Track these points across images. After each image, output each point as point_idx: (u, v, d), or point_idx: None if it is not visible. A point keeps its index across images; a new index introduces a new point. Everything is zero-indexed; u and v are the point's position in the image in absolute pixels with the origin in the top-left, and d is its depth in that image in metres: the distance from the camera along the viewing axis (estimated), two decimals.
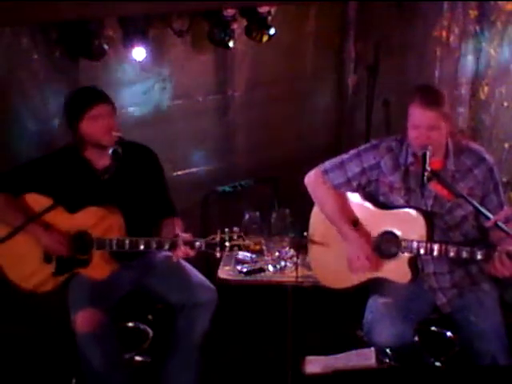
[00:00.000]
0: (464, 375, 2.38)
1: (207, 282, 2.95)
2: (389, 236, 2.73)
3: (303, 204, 2.98)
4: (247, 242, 2.72)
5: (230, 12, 3.58)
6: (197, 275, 2.94)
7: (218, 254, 2.70)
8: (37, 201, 2.73)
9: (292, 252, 3.32)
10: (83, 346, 2.67)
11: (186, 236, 2.72)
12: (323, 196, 2.85)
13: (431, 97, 2.58)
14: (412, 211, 2.68)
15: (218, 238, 2.68)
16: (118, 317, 2.90)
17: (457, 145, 2.71)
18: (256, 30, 3.76)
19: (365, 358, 2.87)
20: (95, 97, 2.75)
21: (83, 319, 2.63)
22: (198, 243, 2.68)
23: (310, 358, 2.98)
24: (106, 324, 2.68)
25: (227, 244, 2.68)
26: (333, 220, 2.82)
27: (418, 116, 2.58)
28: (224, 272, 3.24)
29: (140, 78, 3.72)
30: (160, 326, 3.26)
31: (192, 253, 2.69)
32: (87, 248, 2.74)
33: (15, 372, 3.20)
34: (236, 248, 2.70)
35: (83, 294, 2.72)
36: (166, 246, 2.71)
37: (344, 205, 2.83)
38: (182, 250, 2.67)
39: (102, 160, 2.74)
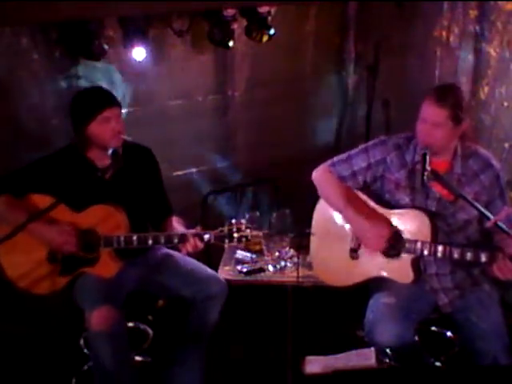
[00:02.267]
0: (464, 375, 2.38)
1: (217, 275, 2.99)
2: (393, 236, 2.72)
3: (303, 204, 2.98)
4: (255, 232, 2.73)
5: (230, 12, 3.58)
6: (206, 268, 2.97)
7: (227, 246, 2.72)
8: (41, 201, 2.72)
9: (292, 252, 3.32)
10: (96, 345, 2.66)
11: (194, 229, 2.74)
12: (329, 186, 2.82)
13: (445, 95, 2.57)
14: (417, 212, 2.67)
15: (226, 230, 2.69)
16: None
17: (465, 149, 2.70)
18: (256, 30, 3.76)
19: (365, 358, 2.87)
20: (107, 99, 2.75)
21: (99, 317, 2.62)
22: (207, 236, 2.70)
23: (310, 358, 2.97)
24: (119, 322, 2.69)
25: (235, 235, 2.69)
26: (339, 208, 2.79)
27: (427, 110, 2.58)
28: (224, 272, 3.25)
29: (140, 78, 3.72)
30: (160, 326, 3.26)
31: (201, 245, 2.70)
32: (94, 246, 2.74)
33: (15, 372, 3.20)
34: (244, 239, 2.71)
35: (96, 292, 2.72)
36: (175, 240, 2.72)
37: (351, 195, 2.80)
38: (192, 242, 2.68)
39: (104, 159, 2.75)
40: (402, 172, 2.73)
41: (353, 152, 2.83)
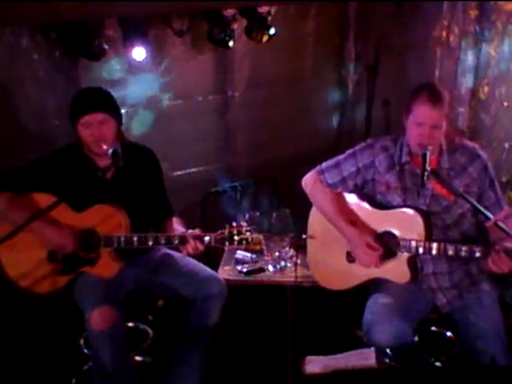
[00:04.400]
0: (464, 375, 2.39)
1: (216, 275, 2.99)
2: (387, 236, 2.73)
3: (303, 204, 2.98)
4: (255, 235, 2.73)
5: (230, 12, 3.58)
6: (205, 268, 2.96)
7: (227, 249, 2.71)
8: (42, 200, 2.72)
9: (292, 252, 3.32)
10: (96, 345, 2.66)
11: (195, 231, 2.74)
12: (320, 196, 2.85)
13: (437, 95, 2.58)
14: (410, 210, 2.68)
15: (226, 233, 2.69)
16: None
17: (451, 143, 2.71)
18: (256, 30, 3.76)
19: (365, 357, 2.88)
20: (89, 104, 2.70)
21: (99, 317, 2.62)
22: (207, 238, 2.70)
23: (310, 358, 2.98)
24: (118, 322, 2.69)
25: (236, 238, 2.69)
26: (331, 219, 2.82)
27: (425, 114, 2.57)
28: (224, 272, 3.25)
29: (140, 78, 3.72)
30: (160, 326, 3.26)
31: (202, 247, 2.70)
32: (95, 246, 2.74)
33: (16, 372, 3.20)
34: (245, 242, 2.71)
35: (96, 292, 2.72)
36: (176, 242, 2.72)
37: (342, 204, 2.83)
38: (192, 244, 2.69)
39: (104, 159, 2.74)
40: (392, 173, 2.73)
41: (341, 157, 2.83)
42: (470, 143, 2.77)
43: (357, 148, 2.82)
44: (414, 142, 2.64)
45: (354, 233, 2.74)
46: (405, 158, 2.70)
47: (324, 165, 2.86)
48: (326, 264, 2.91)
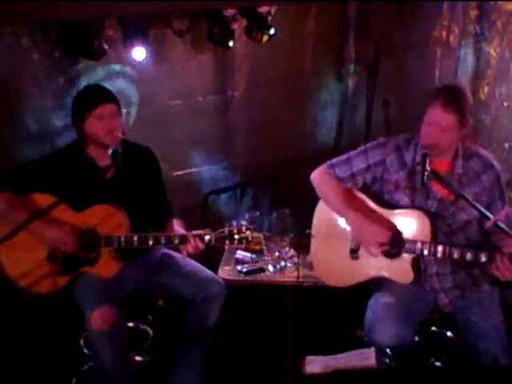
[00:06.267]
0: (464, 375, 2.39)
1: (216, 276, 2.99)
2: (393, 238, 2.72)
3: (303, 204, 2.98)
4: (256, 234, 2.73)
5: (230, 12, 3.58)
6: (205, 269, 2.96)
7: (227, 248, 2.71)
8: (42, 200, 2.72)
9: (292, 252, 3.32)
10: (96, 345, 2.66)
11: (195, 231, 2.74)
12: (328, 187, 2.82)
13: (455, 100, 2.55)
14: (417, 211, 2.67)
15: (226, 232, 2.69)
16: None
17: (466, 149, 2.70)
18: (256, 30, 3.76)
19: (365, 358, 2.88)
20: (101, 96, 2.76)
21: (99, 317, 2.62)
22: (207, 237, 2.70)
23: (309, 358, 2.98)
24: (118, 322, 2.69)
25: (236, 237, 2.69)
26: (339, 209, 2.80)
27: (436, 115, 2.56)
28: (224, 272, 3.25)
29: (140, 78, 3.72)
30: (160, 326, 3.26)
31: (202, 246, 2.70)
32: (95, 246, 2.74)
33: (15, 372, 3.20)
34: (245, 241, 2.71)
35: (96, 292, 2.72)
36: (176, 241, 2.72)
37: (351, 196, 2.81)
38: (192, 244, 2.69)
39: (104, 159, 2.75)
40: (402, 173, 2.72)
41: (352, 153, 2.83)
42: (485, 152, 2.76)
43: (368, 145, 2.82)
44: (422, 139, 2.64)
45: (363, 221, 2.70)
46: (418, 158, 2.68)
47: (334, 160, 2.85)
48: (330, 261, 2.91)
